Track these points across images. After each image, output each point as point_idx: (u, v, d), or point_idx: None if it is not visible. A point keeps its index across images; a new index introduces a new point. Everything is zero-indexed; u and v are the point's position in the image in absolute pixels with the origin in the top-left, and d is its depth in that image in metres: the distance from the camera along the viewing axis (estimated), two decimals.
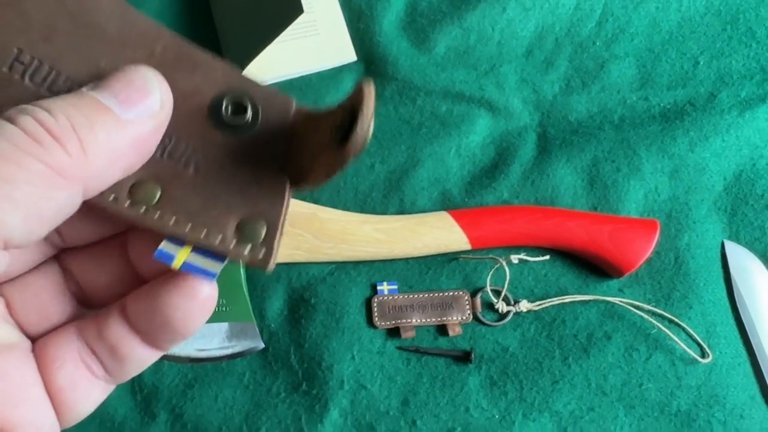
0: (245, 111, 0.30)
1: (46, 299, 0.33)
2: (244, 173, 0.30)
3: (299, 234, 0.76)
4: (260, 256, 0.30)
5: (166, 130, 0.29)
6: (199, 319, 0.31)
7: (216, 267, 0.29)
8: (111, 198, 0.29)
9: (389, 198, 0.79)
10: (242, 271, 0.75)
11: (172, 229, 0.29)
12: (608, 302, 0.74)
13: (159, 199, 0.29)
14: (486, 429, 0.70)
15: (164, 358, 0.73)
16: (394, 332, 0.74)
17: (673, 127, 0.80)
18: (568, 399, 0.71)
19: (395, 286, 0.76)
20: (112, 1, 0.28)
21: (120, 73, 0.27)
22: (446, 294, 0.75)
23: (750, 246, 0.76)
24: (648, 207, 0.78)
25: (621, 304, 0.74)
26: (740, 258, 0.76)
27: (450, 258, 0.77)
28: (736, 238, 0.77)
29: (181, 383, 0.73)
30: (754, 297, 0.74)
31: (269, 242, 0.30)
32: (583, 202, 0.79)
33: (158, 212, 0.29)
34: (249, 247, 0.30)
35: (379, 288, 0.75)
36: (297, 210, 0.76)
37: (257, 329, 0.74)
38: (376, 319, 0.74)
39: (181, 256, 0.29)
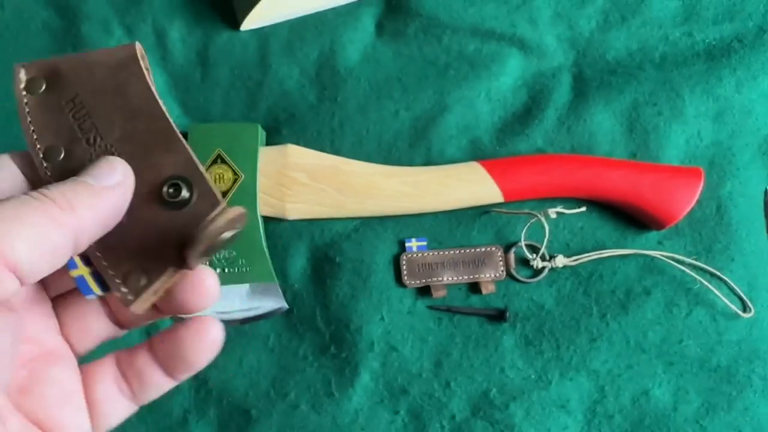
0: (179, 194, 0.37)
1: (91, 320, 0.41)
2: (151, 236, 0.37)
3: (321, 188, 0.71)
4: (128, 297, 0.37)
5: None
6: (207, 355, 0.39)
7: (97, 290, 0.38)
8: None
9: (415, 148, 0.74)
10: (261, 229, 0.70)
11: (88, 251, 0.37)
12: (647, 256, 0.71)
13: None
14: (522, 389, 0.68)
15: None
16: (424, 291, 0.71)
17: (718, 66, 0.74)
18: (606, 357, 0.69)
19: (424, 243, 0.72)
20: (145, 89, 0.39)
21: (97, 162, 0.37)
22: (478, 250, 0.71)
23: None
24: (690, 153, 0.73)
25: (661, 257, 0.70)
26: None
27: (481, 211, 0.73)
28: None
29: None
30: None
31: (139, 292, 0.37)
32: (621, 149, 0.74)
33: None
34: (126, 290, 0.37)
35: (407, 245, 0.71)
36: (318, 162, 0.71)
37: (280, 290, 0.70)
38: (406, 277, 0.70)
39: (81, 270, 0.37)
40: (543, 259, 0.70)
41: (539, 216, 0.68)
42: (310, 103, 0.75)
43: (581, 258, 0.71)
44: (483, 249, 0.71)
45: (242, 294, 0.70)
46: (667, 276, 0.71)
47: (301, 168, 0.71)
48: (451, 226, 0.72)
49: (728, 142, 0.73)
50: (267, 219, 0.71)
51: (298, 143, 0.73)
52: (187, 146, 0.39)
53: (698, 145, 0.73)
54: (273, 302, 0.70)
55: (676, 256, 0.70)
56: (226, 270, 0.70)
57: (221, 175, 0.70)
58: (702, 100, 0.74)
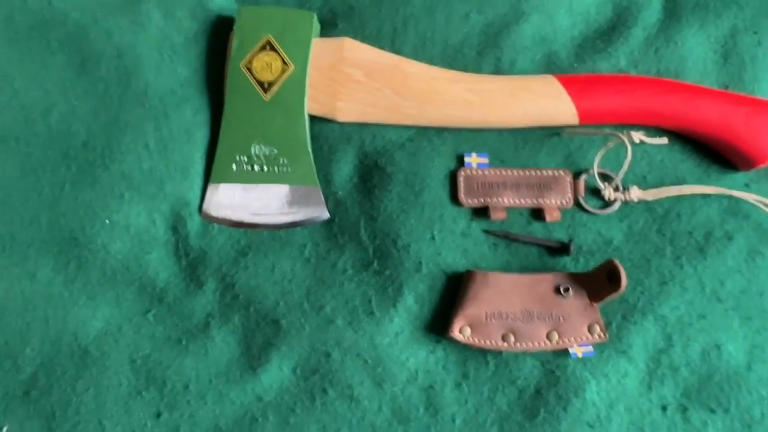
0: (568, 290, 0.59)
1: None
2: (563, 308, 0.61)
3: (378, 88, 0.64)
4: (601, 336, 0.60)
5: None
6: None
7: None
8: None
9: (484, 56, 0.67)
10: (306, 125, 0.63)
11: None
12: (733, 197, 0.64)
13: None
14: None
15: (213, 220, 0.63)
16: (481, 212, 0.64)
17: None
18: (677, 303, 0.62)
19: (485, 159, 0.64)
20: None
21: None
22: (545, 173, 0.64)
23: None
24: None
25: (748, 199, 0.63)
26: None
27: (551, 132, 0.65)
28: None
29: (233, 250, 0.63)
30: None
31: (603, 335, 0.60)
32: (713, 78, 0.66)
33: None
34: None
35: (466, 160, 0.64)
36: (377, 60, 0.64)
37: (322, 195, 0.63)
38: (462, 195, 0.63)
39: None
40: (616, 189, 0.63)
41: (623, 138, 0.60)
42: None
43: (659, 193, 0.63)
44: (550, 173, 0.64)
45: (280, 196, 0.64)
46: (752, 221, 0.63)
47: (357, 64, 0.64)
48: (516, 144, 0.65)
49: None
50: (313, 118, 0.64)
51: (354, 39, 0.65)
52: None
53: None
54: (313, 209, 0.64)
55: (765, 200, 0.63)
56: (265, 168, 0.64)
57: (269, 64, 0.63)
58: None
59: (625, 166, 0.61)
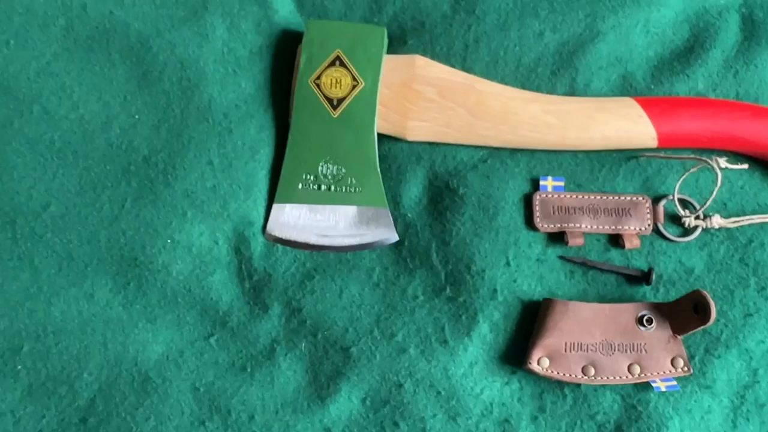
0: (651, 322, 0.57)
1: None
2: (645, 340, 0.58)
3: (451, 107, 0.61)
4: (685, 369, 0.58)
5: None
6: None
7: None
8: None
9: (558, 75, 0.64)
10: (375, 144, 0.61)
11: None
12: None
13: None
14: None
15: (277, 241, 0.60)
16: (556, 237, 0.61)
17: None
18: (763, 336, 0.59)
19: (561, 183, 0.62)
20: None
21: None
22: (623, 198, 0.62)
23: None
24: None
25: None
26: None
27: (628, 155, 0.63)
28: None
29: (299, 273, 0.60)
30: None
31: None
32: None
33: None
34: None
35: (542, 183, 0.62)
36: (450, 78, 0.62)
37: (391, 217, 0.61)
38: (538, 219, 0.61)
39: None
40: (697, 217, 0.61)
41: (711, 164, 0.58)
42: (443, 12, 0.65)
43: (741, 220, 0.61)
44: (628, 198, 0.62)
45: (348, 217, 0.61)
46: None
47: (429, 82, 0.62)
48: (592, 167, 0.63)
49: None
50: (381, 137, 0.62)
51: (424, 56, 0.63)
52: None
53: None
54: (382, 231, 0.61)
55: None
56: (332, 188, 0.61)
57: (338, 80, 0.61)
58: None
59: (714, 193, 0.58)
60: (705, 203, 0.59)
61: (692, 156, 0.60)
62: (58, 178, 0.60)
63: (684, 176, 0.60)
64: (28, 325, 0.58)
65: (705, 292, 0.55)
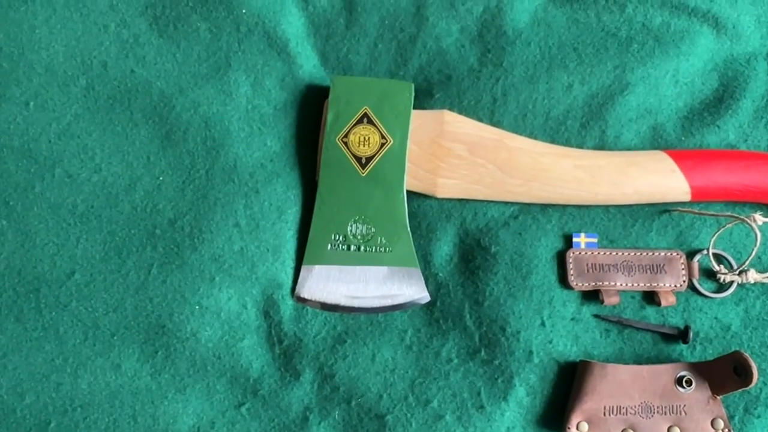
0: (690, 383, 0.56)
1: None
2: (684, 401, 0.57)
3: (481, 164, 0.60)
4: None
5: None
6: None
7: None
8: None
9: (588, 128, 0.64)
10: (405, 203, 0.60)
11: None
12: None
13: None
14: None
15: (306, 303, 0.59)
16: (591, 295, 0.60)
17: None
18: None
19: (594, 239, 0.61)
20: None
21: None
22: (657, 254, 0.61)
23: None
24: None
25: None
26: None
27: (660, 210, 0.62)
28: None
29: (329, 336, 0.59)
30: None
31: None
32: None
33: None
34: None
35: (575, 240, 0.61)
36: (479, 134, 0.61)
37: (422, 277, 0.60)
38: (572, 278, 0.60)
39: None
40: (733, 272, 0.60)
41: (749, 222, 0.57)
42: (470, 64, 0.64)
43: None
44: (663, 254, 0.61)
45: (379, 277, 0.60)
46: None
47: (459, 138, 0.61)
48: (625, 222, 0.62)
49: None
50: (410, 194, 0.61)
51: (451, 110, 0.62)
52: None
53: None
54: (413, 291, 0.60)
55: None
56: (362, 248, 0.60)
57: (367, 138, 0.60)
58: None
59: (753, 253, 0.57)
60: (743, 262, 0.58)
61: (729, 214, 0.59)
62: (82, 243, 0.59)
63: (719, 232, 0.59)
64: (55, 399, 0.56)
65: (746, 354, 0.54)
